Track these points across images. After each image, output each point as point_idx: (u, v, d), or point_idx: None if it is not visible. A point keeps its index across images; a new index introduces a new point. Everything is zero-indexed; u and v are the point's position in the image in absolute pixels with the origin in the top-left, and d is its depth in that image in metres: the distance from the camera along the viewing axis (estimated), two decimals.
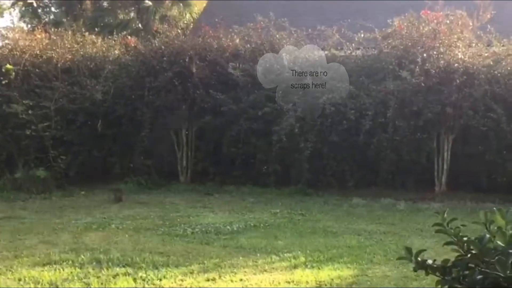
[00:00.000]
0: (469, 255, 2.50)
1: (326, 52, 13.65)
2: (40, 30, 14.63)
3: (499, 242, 2.48)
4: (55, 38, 14.22)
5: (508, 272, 2.24)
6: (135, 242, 8.18)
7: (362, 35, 13.35)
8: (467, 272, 2.44)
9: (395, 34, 13.04)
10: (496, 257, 2.33)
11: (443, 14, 12.59)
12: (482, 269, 2.37)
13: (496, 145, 12.00)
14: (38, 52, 13.82)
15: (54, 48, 13.87)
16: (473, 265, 2.45)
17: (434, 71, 12.03)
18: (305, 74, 12.96)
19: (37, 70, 13.56)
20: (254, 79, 13.12)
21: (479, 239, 2.47)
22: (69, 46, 14.08)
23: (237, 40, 13.78)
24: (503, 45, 12.54)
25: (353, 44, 13.58)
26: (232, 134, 13.10)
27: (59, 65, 13.63)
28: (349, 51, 13.66)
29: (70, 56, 13.88)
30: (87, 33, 15.09)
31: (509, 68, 12.02)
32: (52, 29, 14.86)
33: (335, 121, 12.39)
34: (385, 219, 10.04)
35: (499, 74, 11.97)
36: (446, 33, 12.45)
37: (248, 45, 13.69)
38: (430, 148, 12.57)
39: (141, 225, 9.33)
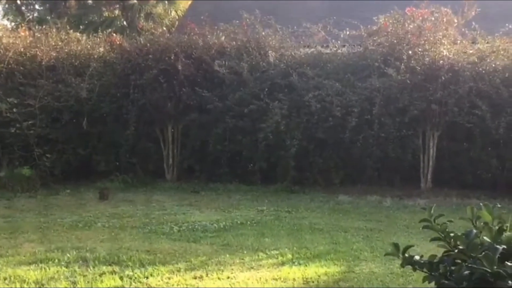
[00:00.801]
0: (456, 251, 2.51)
1: (312, 49, 13.68)
2: (24, 27, 14.54)
3: (485, 238, 2.49)
4: (39, 35, 14.12)
5: (494, 267, 2.25)
6: (121, 240, 8.14)
7: (348, 33, 13.37)
8: (454, 267, 2.45)
9: (380, 31, 13.08)
10: (483, 253, 2.34)
11: (428, 11, 12.64)
12: (469, 265, 2.37)
13: (481, 141, 12.08)
14: (22, 49, 13.72)
15: (38, 45, 13.79)
16: (460, 261, 2.46)
17: (419, 68, 12.08)
18: (291, 72, 12.98)
19: (21, 68, 13.47)
20: (240, 77, 13.10)
21: (466, 234, 2.48)
22: (53, 43, 14.00)
23: (223, 38, 13.75)
24: (487, 42, 12.60)
25: (338, 42, 13.62)
26: (218, 131, 13.08)
27: (43, 63, 13.55)
28: (334, 49, 13.69)
29: (54, 54, 13.80)
30: (71, 31, 15.00)
31: (493, 65, 12.09)
32: (36, 27, 14.76)
33: (321, 118, 12.42)
34: (371, 216, 10.07)
35: (483, 71, 12.04)
36: (431, 30, 12.51)
37: (234, 43, 13.67)
38: (416, 145, 12.64)
39: (127, 223, 9.29)
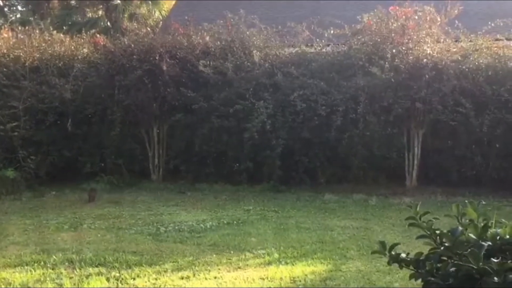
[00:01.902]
0: (442, 248, 2.53)
1: (296, 48, 13.69)
2: (6, 29, 14.43)
3: (471, 235, 2.51)
4: (22, 37, 14.06)
5: (480, 263, 2.27)
6: (107, 241, 8.11)
7: (332, 32, 13.39)
8: (440, 264, 2.47)
9: (364, 30, 13.12)
10: (469, 249, 2.36)
11: (412, 10, 12.70)
12: (455, 262, 2.39)
13: (465, 139, 12.17)
14: (5, 51, 13.64)
15: (21, 47, 13.72)
16: (446, 258, 2.48)
17: (403, 67, 12.13)
18: (276, 71, 12.99)
19: (4, 69, 13.39)
20: (224, 77, 13.09)
21: (452, 231, 2.50)
22: (37, 45, 13.92)
23: (207, 38, 13.73)
24: (470, 40, 12.67)
25: (323, 41, 13.62)
26: (203, 132, 13.06)
27: (27, 64, 13.48)
28: (319, 48, 13.70)
29: (38, 55, 13.73)
30: (55, 32, 14.91)
31: (476, 63, 12.17)
32: (19, 28, 14.68)
33: (306, 117, 12.44)
34: (357, 215, 10.12)
35: (467, 69, 12.11)
36: (414, 28, 12.57)
37: (218, 43, 13.65)
38: (401, 143, 12.71)
39: (113, 224, 9.27)
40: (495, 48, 12.43)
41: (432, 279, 2.44)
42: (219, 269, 6.78)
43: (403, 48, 12.40)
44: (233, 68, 13.03)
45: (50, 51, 13.97)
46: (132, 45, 13.68)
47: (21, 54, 13.54)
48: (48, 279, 6.36)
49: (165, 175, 13.84)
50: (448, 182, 12.29)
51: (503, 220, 2.70)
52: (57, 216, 9.95)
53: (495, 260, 2.27)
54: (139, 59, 13.30)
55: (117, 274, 6.49)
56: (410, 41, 12.47)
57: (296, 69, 12.99)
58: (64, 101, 13.31)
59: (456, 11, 12.97)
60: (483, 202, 2.72)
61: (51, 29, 15.32)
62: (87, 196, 11.61)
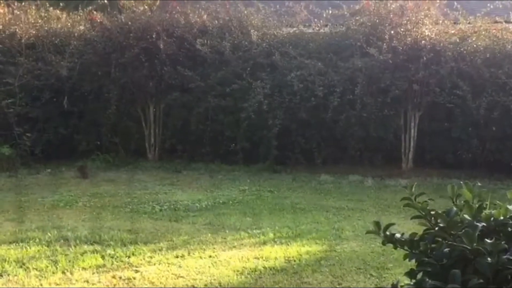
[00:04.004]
0: (436, 229, 2.52)
1: (294, 28, 13.63)
2: (2, 4, 14.29)
3: (466, 216, 2.51)
4: (18, 13, 13.93)
5: (474, 244, 2.27)
6: (103, 219, 8.13)
7: (330, 12, 13.34)
8: (434, 245, 2.47)
9: (363, 10, 13.06)
10: (463, 230, 2.35)
11: None
12: (449, 242, 2.39)
13: (462, 121, 12.16)
14: (0, 27, 13.53)
15: (17, 23, 13.60)
16: (440, 238, 2.47)
17: (401, 48, 12.09)
18: (274, 51, 12.94)
19: (0, 45, 13.28)
20: (222, 56, 13.03)
21: (447, 212, 2.50)
22: (33, 21, 13.82)
23: (205, 16, 13.65)
24: (469, 22, 12.63)
25: (321, 21, 13.56)
26: (200, 111, 13.03)
27: (23, 40, 13.38)
28: (317, 28, 13.64)
29: (34, 32, 13.63)
30: (51, 8, 14.78)
31: (475, 45, 12.13)
32: (15, 4, 14.53)
33: (303, 98, 12.40)
34: (353, 196, 10.14)
35: (465, 52, 12.07)
36: (413, 10, 12.51)
37: (216, 21, 13.58)
38: (397, 125, 12.70)
39: (108, 202, 9.28)
40: (494, 31, 12.38)
41: (426, 259, 2.44)
42: (214, 248, 6.80)
43: (402, 29, 12.35)
44: (231, 48, 12.97)
45: (46, 28, 13.87)
46: (129, 23, 13.60)
47: (17, 30, 13.44)
48: (43, 256, 6.38)
49: (161, 154, 13.84)
50: (444, 164, 12.32)
51: (498, 201, 2.69)
52: (52, 194, 9.95)
53: (489, 241, 2.27)
54: (136, 37, 13.23)
55: (112, 252, 6.51)
56: (408, 22, 12.42)
57: (293, 49, 12.94)
58: (60, 78, 13.25)
59: None
60: (479, 184, 2.71)
61: (47, 5, 15.15)
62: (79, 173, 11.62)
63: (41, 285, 5.59)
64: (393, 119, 12.61)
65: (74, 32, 14.01)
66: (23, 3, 14.73)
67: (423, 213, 2.60)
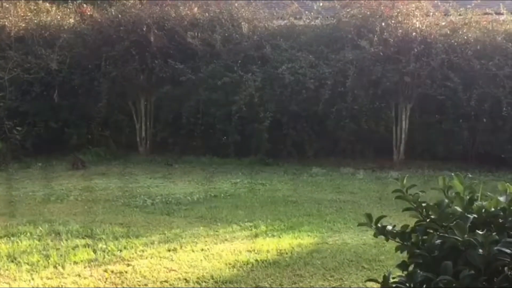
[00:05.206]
0: (428, 221, 2.53)
1: (285, 21, 13.61)
2: None
3: (457, 207, 2.51)
4: (7, 6, 13.84)
5: (465, 236, 2.27)
6: (94, 213, 8.11)
7: (321, 4, 13.33)
8: (426, 237, 2.48)
9: (354, 3, 13.06)
10: (455, 222, 2.36)
11: None
12: (441, 234, 2.40)
13: (453, 113, 12.19)
14: None
15: (6, 16, 13.51)
16: (432, 230, 2.48)
17: (392, 40, 12.09)
18: (265, 43, 12.92)
19: None
20: (213, 49, 13.01)
21: (438, 204, 2.50)
22: (22, 14, 13.74)
23: (195, 9, 13.61)
24: (460, 14, 12.65)
25: (312, 13, 13.55)
26: (191, 104, 13.00)
27: (12, 33, 13.31)
28: (308, 20, 13.62)
29: (23, 25, 13.56)
30: (41, 1, 14.69)
31: (465, 37, 12.15)
32: None
33: (294, 90, 12.40)
34: (344, 188, 10.15)
35: (455, 43, 12.10)
36: (404, 2, 12.51)
37: (207, 14, 13.54)
38: (389, 117, 12.72)
39: (100, 196, 9.25)
40: (484, 22, 12.41)
41: (418, 251, 2.44)
42: (206, 241, 6.79)
43: (392, 21, 12.36)
44: (222, 40, 12.95)
45: (36, 21, 13.79)
46: (119, 16, 13.54)
47: (6, 23, 13.36)
48: (34, 250, 6.35)
49: (152, 147, 13.80)
50: (435, 156, 12.35)
51: (489, 193, 2.70)
52: (43, 188, 9.92)
53: (480, 233, 2.27)
54: (126, 30, 13.18)
55: (104, 246, 6.49)
56: (399, 14, 12.42)
57: (284, 42, 12.93)
58: (50, 72, 13.19)
59: None
60: (470, 175, 2.72)
61: None
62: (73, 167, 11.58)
63: (33, 279, 5.57)
64: (384, 112, 12.64)
65: (64, 25, 13.95)
66: None
67: (415, 205, 2.61)
